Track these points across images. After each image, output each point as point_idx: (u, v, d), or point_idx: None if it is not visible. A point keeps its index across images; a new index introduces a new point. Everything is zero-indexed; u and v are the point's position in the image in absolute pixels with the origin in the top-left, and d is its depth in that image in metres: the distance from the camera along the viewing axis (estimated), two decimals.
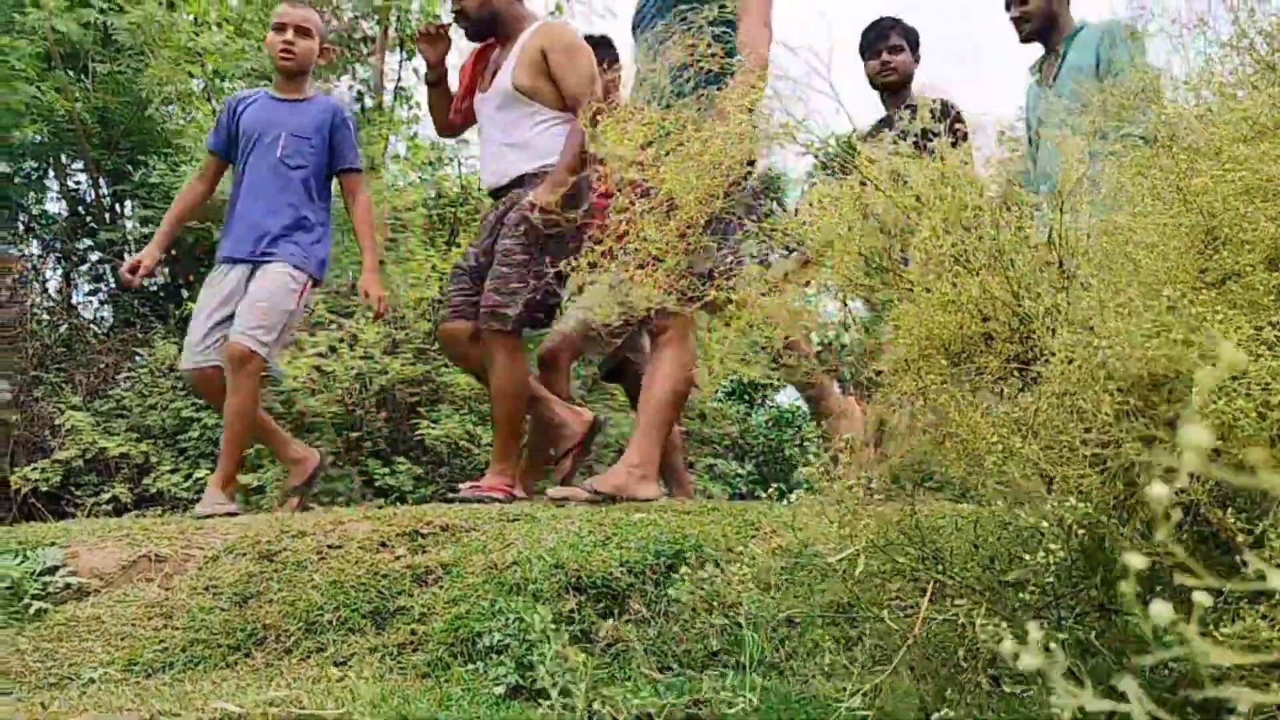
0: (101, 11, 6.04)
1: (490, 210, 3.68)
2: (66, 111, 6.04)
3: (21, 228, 6.71)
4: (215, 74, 6.52)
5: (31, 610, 2.56)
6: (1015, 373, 1.71)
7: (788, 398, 7.86)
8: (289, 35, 3.64)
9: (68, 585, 2.65)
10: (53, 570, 2.69)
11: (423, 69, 3.96)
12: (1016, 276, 1.73)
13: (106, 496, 4.71)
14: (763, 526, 2.87)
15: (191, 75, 6.21)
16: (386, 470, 4.86)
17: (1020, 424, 1.61)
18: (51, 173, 6.91)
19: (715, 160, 1.70)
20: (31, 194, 6.75)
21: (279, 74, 3.72)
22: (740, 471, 6.56)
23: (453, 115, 3.81)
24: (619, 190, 1.99)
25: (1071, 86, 3.57)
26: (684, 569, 2.57)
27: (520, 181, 3.54)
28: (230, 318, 3.62)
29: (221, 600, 2.58)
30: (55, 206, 6.80)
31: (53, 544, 2.82)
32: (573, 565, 2.56)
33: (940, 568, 1.66)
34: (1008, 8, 3.80)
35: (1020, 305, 1.71)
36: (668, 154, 1.85)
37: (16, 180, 6.62)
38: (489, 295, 3.45)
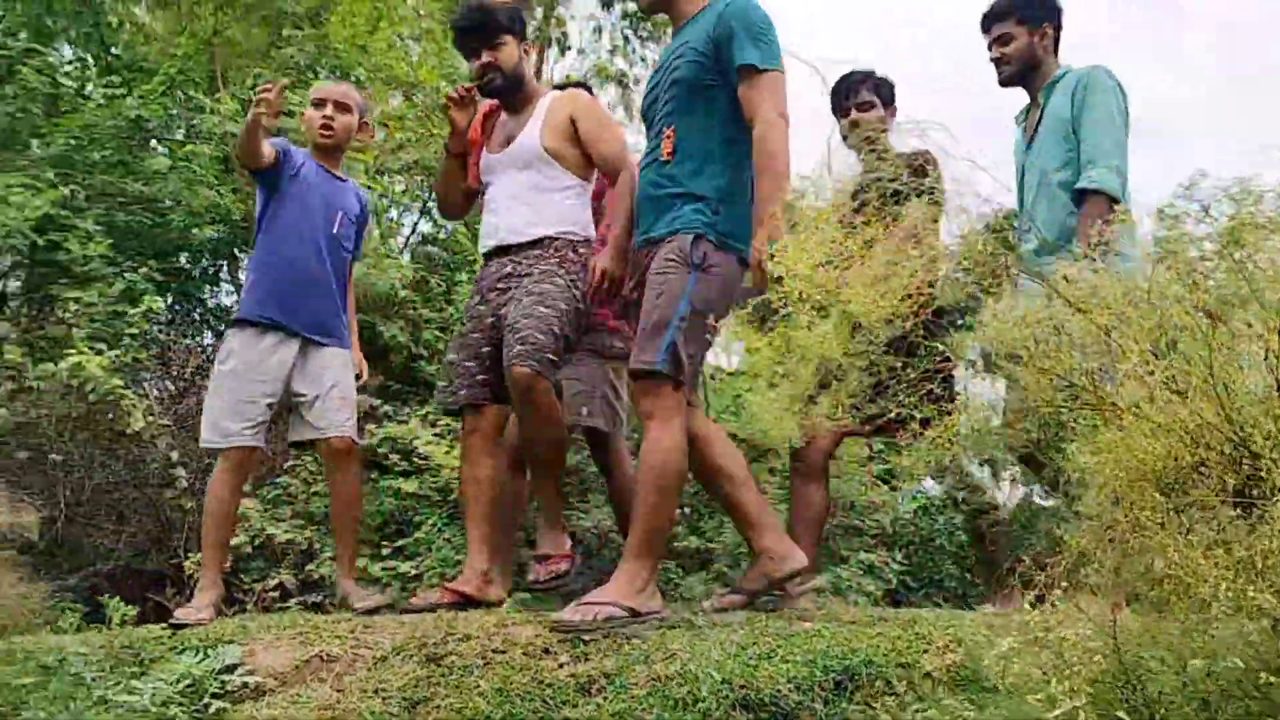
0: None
1: (492, 271, 3.50)
2: (241, 213, 6.44)
3: (197, 319, 7.15)
4: (376, 171, 6.85)
5: (211, 710, 2.64)
6: (1236, 506, 1.60)
7: (934, 484, 7.60)
8: (328, 110, 3.66)
9: (245, 684, 2.73)
10: (231, 669, 2.77)
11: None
12: (1233, 401, 1.62)
13: (273, 583, 4.87)
14: (934, 640, 2.74)
15: (349, 166, 6.53)
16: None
17: (1248, 565, 1.49)
18: (225, 268, 7.36)
19: (903, 286, 1.66)
20: (208, 288, 7.20)
21: (317, 150, 3.70)
22: (890, 562, 6.34)
23: (469, 180, 3.68)
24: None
25: (1046, 148, 3.41)
26: (858, 693, 2.47)
27: (539, 244, 3.42)
28: (278, 394, 3.55)
29: (391, 705, 2.61)
30: (229, 299, 7.22)
31: (231, 641, 2.92)
32: (739, 681, 2.49)
33: None
34: (989, 48, 3.61)
35: (1240, 432, 1.60)
36: (847, 271, 1.81)
37: (195, 275, 7.07)
38: (529, 334, 3.19)
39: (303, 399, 3.61)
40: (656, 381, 2.82)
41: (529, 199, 3.46)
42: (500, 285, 3.44)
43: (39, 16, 6.82)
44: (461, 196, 3.74)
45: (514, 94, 3.56)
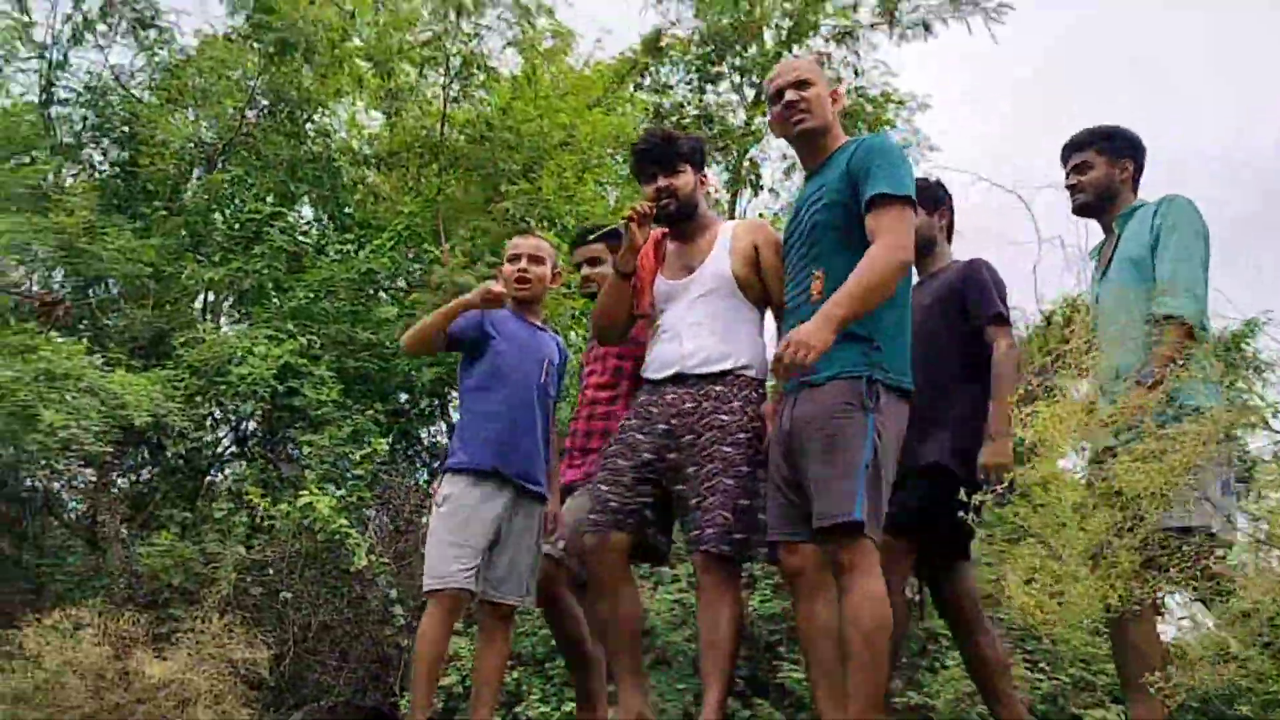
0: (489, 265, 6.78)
1: (668, 400, 3.33)
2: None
3: (415, 457, 7.50)
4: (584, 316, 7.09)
5: None
6: None
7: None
8: (523, 264, 3.69)
9: None
10: None
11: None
12: None
13: None
14: None
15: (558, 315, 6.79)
16: (747, 713, 4.71)
17: None
18: (439, 406, 7.72)
19: (1183, 463, 1.52)
20: (428, 427, 7.56)
21: (515, 302, 3.72)
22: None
23: (643, 306, 3.52)
24: None
25: (1121, 280, 3.21)
26: None
27: (722, 378, 3.28)
28: (491, 538, 3.53)
29: None
30: (443, 438, 7.54)
31: None
32: None
33: None
34: (1067, 176, 3.45)
35: None
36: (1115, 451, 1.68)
37: (414, 415, 7.44)
38: (717, 514, 3.09)
39: (496, 549, 3.55)
40: (854, 533, 2.69)
41: (713, 328, 3.36)
42: (675, 421, 3.28)
43: (283, 182, 7.54)
44: (625, 321, 3.58)
45: (686, 221, 3.51)
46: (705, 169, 3.66)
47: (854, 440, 2.75)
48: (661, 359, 3.41)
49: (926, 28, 8.65)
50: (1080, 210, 3.48)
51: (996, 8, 8.36)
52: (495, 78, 7.62)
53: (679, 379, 3.34)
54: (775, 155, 9.43)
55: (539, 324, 3.80)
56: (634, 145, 3.65)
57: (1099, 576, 1.68)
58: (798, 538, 2.90)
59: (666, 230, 3.62)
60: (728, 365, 3.30)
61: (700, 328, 3.36)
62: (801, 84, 3.07)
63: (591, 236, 3.85)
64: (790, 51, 8.76)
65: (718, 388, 3.28)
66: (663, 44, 9.18)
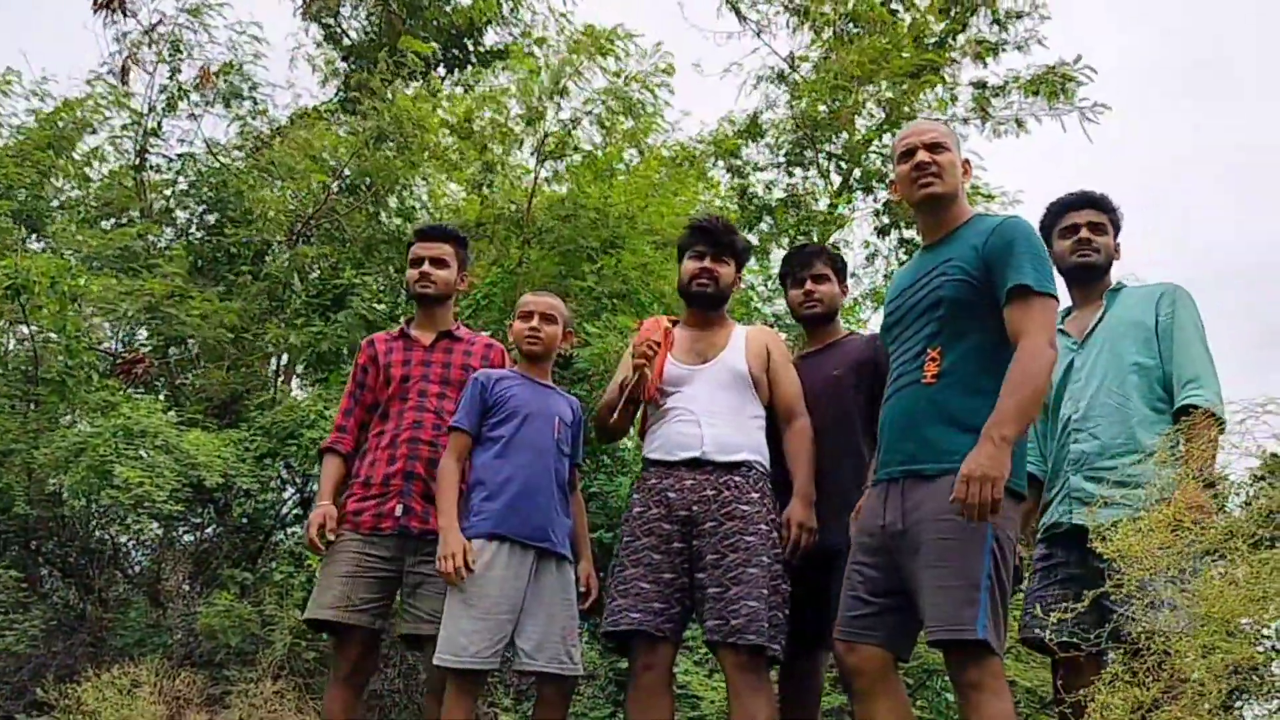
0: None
1: (687, 485, 3.31)
2: None
3: None
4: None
5: None
6: None
7: None
8: (534, 323, 3.64)
9: None
10: None
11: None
12: None
13: None
14: None
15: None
16: None
17: None
18: None
19: (1272, 591, 1.46)
20: None
21: (525, 358, 3.69)
22: None
23: (650, 395, 3.50)
24: None
25: (1116, 352, 3.21)
26: None
27: (739, 468, 3.31)
28: (517, 609, 3.36)
29: None
30: None
31: None
32: None
33: None
34: (1077, 229, 3.42)
35: None
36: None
37: None
38: (744, 604, 3.08)
39: (529, 621, 3.38)
40: (979, 651, 2.54)
41: (730, 419, 3.40)
42: (697, 508, 3.26)
43: (360, 256, 7.74)
44: (629, 421, 3.67)
45: (710, 310, 3.61)
46: (742, 272, 3.75)
47: (973, 548, 2.58)
48: (676, 441, 3.40)
49: (1019, 124, 8.63)
50: (1086, 269, 3.40)
51: (1093, 107, 8.28)
52: (580, 161, 7.79)
53: (696, 464, 3.33)
54: (857, 243, 9.44)
55: (548, 383, 3.71)
56: (696, 221, 3.76)
57: (1183, 707, 1.61)
58: (865, 639, 2.78)
59: (677, 321, 3.71)
60: (743, 456, 3.33)
61: (717, 416, 3.39)
62: (935, 146, 2.91)
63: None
64: (880, 140, 8.82)
65: (736, 478, 3.30)
66: (762, 128, 9.32)
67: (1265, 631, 1.75)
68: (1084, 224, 3.41)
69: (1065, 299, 3.46)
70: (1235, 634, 1.60)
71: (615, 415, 3.55)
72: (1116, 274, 3.49)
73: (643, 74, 7.56)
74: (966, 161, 2.99)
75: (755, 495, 3.27)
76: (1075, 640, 2.65)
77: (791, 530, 3.25)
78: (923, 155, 2.89)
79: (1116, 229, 3.46)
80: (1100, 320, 3.33)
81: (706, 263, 3.56)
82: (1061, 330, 3.38)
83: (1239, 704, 2.24)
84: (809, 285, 3.70)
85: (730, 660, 3.13)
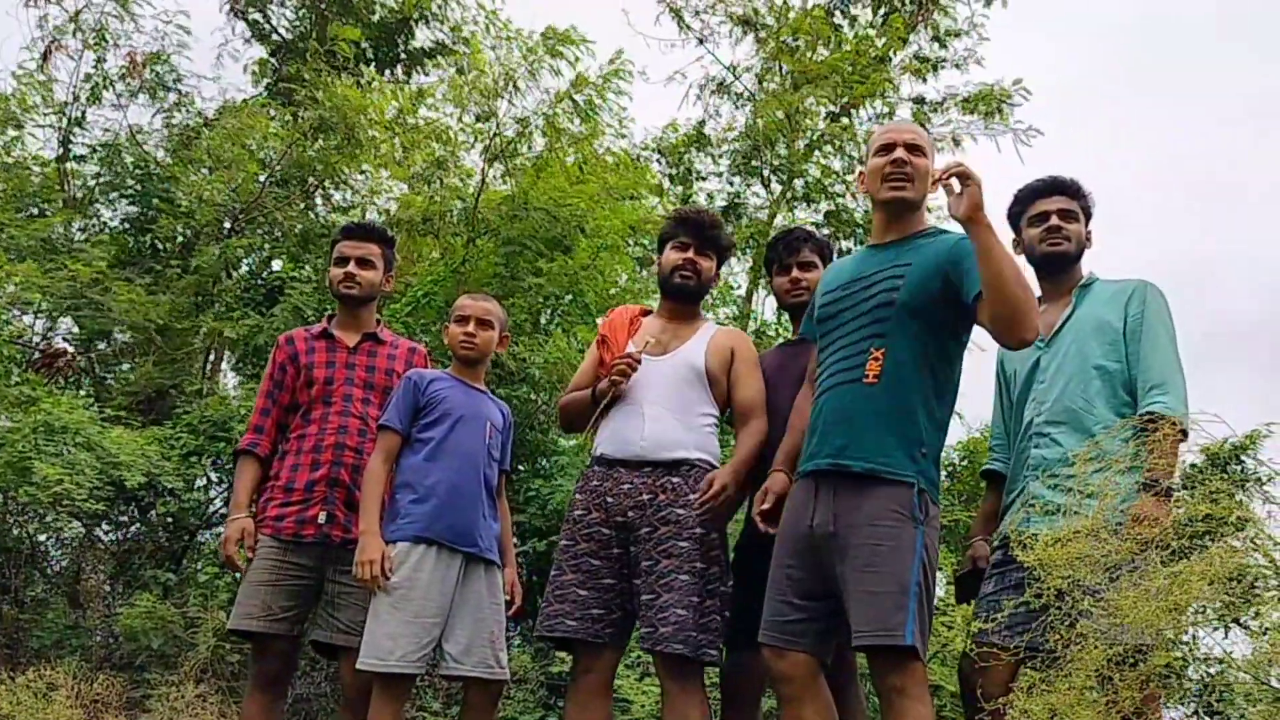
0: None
1: (624, 488, 3.26)
2: None
3: None
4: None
5: None
6: None
7: None
8: (470, 328, 3.58)
9: None
10: None
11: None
12: None
13: None
14: None
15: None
16: None
17: None
18: None
19: (1186, 601, 1.50)
20: None
21: (458, 362, 3.63)
22: None
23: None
24: None
25: (1082, 353, 3.09)
26: None
27: (677, 468, 3.24)
28: (444, 615, 3.33)
29: None
30: None
31: None
32: None
33: None
34: (1048, 216, 3.28)
35: None
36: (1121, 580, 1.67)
37: None
38: (671, 612, 3.04)
39: (457, 624, 3.35)
40: (905, 657, 2.56)
41: (677, 416, 3.32)
42: (633, 514, 3.22)
43: (296, 249, 7.62)
44: (587, 415, 3.52)
45: (689, 303, 3.53)
46: (722, 268, 3.70)
47: (902, 554, 2.60)
48: (618, 436, 3.34)
49: (956, 142, 8.87)
50: (1057, 258, 3.28)
51: (1026, 131, 8.57)
52: (530, 161, 7.77)
53: (635, 465, 3.27)
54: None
55: (480, 387, 3.66)
56: (682, 212, 3.66)
57: (1097, 713, 1.65)
58: (791, 646, 2.78)
59: (648, 312, 3.64)
60: (683, 454, 3.25)
61: (664, 412, 3.31)
62: (915, 149, 2.87)
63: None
64: (821, 152, 8.94)
65: (674, 479, 3.23)
66: (707, 138, 9.39)
67: (1183, 637, 1.80)
68: (1054, 211, 3.28)
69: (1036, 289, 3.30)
70: (1151, 642, 1.65)
71: (588, 427, 3.46)
72: (1088, 265, 3.37)
73: (598, 81, 7.58)
74: (937, 175, 2.89)
75: (693, 497, 3.19)
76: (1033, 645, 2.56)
77: (712, 487, 3.15)
78: (900, 154, 2.84)
79: (1088, 216, 3.33)
80: (1068, 319, 3.21)
81: (690, 254, 3.47)
82: None
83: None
84: (795, 272, 3.60)
85: (661, 667, 3.13)
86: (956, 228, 2.71)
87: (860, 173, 3.05)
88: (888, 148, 2.87)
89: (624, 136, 8.38)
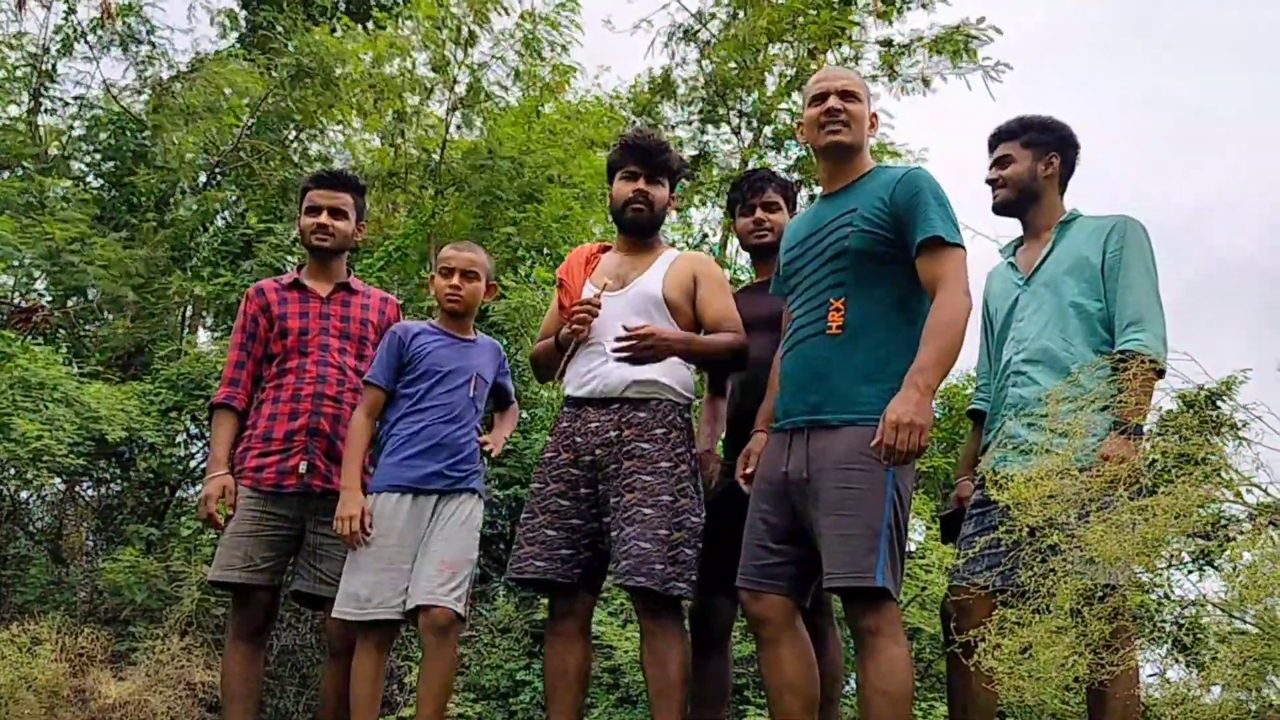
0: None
1: (592, 427, 3.22)
2: None
3: None
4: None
5: None
6: None
7: None
8: (455, 280, 3.56)
9: None
10: None
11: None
12: None
13: None
14: None
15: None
16: None
17: None
18: None
19: (1154, 536, 1.53)
20: None
21: (445, 314, 3.62)
22: None
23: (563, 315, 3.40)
24: None
25: (1058, 292, 3.07)
26: None
27: (644, 404, 3.19)
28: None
29: None
30: None
31: None
32: None
33: None
34: (989, 169, 3.29)
35: None
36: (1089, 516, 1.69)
37: None
38: (633, 545, 3.00)
39: (421, 562, 3.32)
40: (877, 598, 2.61)
41: None
42: (600, 452, 3.19)
43: (273, 201, 7.53)
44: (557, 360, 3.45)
45: (645, 235, 3.41)
46: (678, 192, 3.54)
47: (874, 497, 2.63)
48: (585, 375, 3.30)
49: (925, 83, 8.76)
50: (1000, 208, 3.30)
51: (995, 66, 8.46)
52: (497, 110, 7.69)
53: (602, 403, 3.24)
54: None
55: (469, 338, 3.64)
56: (626, 138, 3.48)
57: (1069, 646, 1.68)
58: (768, 589, 2.81)
59: (608, 248, 3.55)
60: (651, 377, 3.19)
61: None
62: (848, 94, 2.90)
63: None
64: (789, 98, 8.86)
65: (640, 414, 3.19)
66: (674, 85, 9.29)
67: (1156, 579, 1.83)
68: (990, 163, 3.32)
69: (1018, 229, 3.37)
70: (1119, 579, 1.68)
71: (557, 374, 3.40)
72: (1071, 201, 3.33)
73: (548, 13, 7.51)
74: (874, 115, 2.99)
75: (660, 431, 3.15)
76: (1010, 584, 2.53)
77: (642, 329, 3.08)
78: (834, 102, 2.87)
79: (1042, 147, 3.25)
80: (1047, 255, 3.19)
81: (640, 184, 3.34)
82: (1011, 264, 3.32)
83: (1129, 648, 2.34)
84: (759, 214, 3.57)
85: (635, 603, 3.13)
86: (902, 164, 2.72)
87: (799, 124, 3.06)
88: (820, 97, 2.91)
89: (590, 86, 8.31)
